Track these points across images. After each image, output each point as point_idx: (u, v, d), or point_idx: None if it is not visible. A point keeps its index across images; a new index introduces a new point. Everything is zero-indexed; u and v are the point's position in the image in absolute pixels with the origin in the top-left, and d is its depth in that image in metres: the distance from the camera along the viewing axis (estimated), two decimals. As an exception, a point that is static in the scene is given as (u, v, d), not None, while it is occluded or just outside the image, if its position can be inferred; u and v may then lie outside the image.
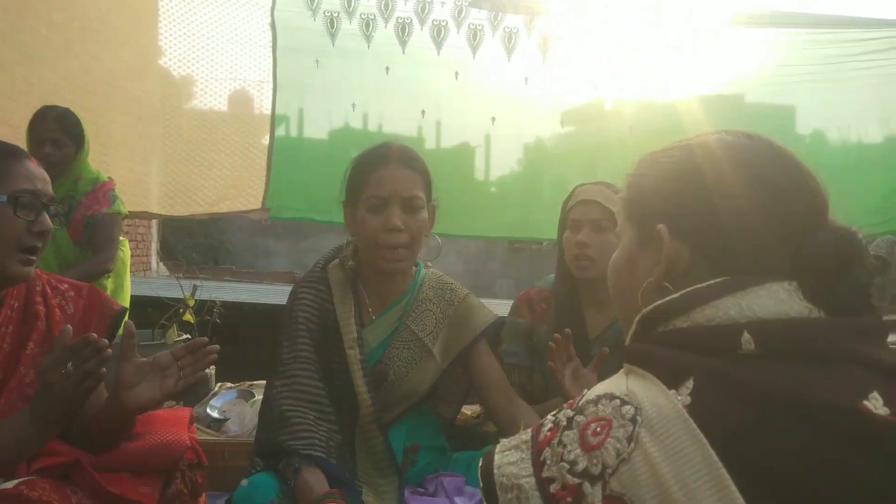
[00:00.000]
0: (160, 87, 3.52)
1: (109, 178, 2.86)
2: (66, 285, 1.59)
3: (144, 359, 1.39)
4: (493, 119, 3.30)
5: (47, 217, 1.40)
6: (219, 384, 2.68)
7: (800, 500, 0.60)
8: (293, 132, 3.48)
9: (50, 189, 1.44)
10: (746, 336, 0.69)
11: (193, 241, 11.51)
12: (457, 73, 3.25)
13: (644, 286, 0.82)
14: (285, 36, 3.31)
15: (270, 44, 3.34)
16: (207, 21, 3.44)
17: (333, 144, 3.46)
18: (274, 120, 3.34)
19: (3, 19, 2.87)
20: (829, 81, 3.46)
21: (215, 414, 2.35)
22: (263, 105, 3.47)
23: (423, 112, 3.26)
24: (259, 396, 2.46)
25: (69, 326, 1.33)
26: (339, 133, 3.45)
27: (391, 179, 1.58)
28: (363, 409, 1.57)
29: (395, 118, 3.36)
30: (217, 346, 1.41)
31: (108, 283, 2.76)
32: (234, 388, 2.57)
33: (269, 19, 3.31)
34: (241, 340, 3.21)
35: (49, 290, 1.55)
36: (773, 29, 3.48)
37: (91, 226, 2.70)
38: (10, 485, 1.34)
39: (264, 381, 2.68)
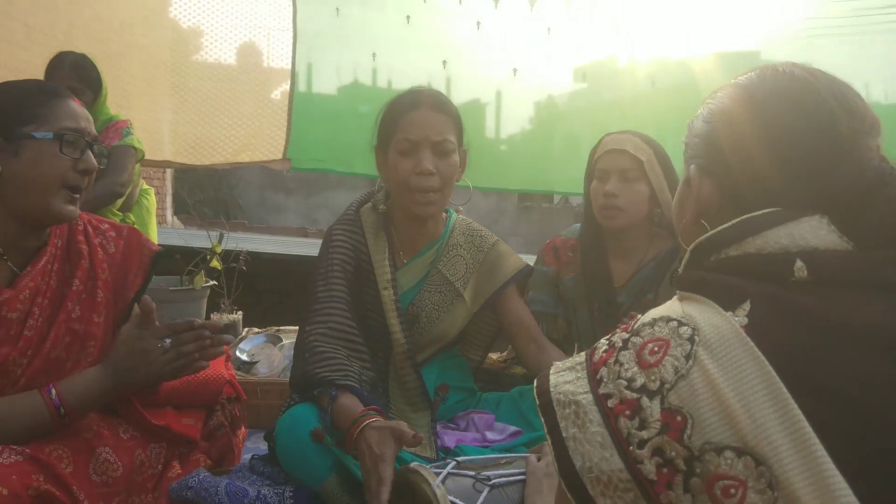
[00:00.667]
0: (171, 37, 3.49)
1: (126, 119, 2.83)
2: (106, 225, 1.62)
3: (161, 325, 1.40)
4: (515, 70, 3.28)
5: (91, 155, 1.42)
6: (246, 329, 2.73)
7: (854, 416, 0.63)
8: (309, 83, 3.46)
9: (93, 128, 1.45)
10: (799, 264, 0.71)
11: (205, 196, 11.56)
12: (478, 23, 3.21)
13: (683, 223, 0.85)
14: (305, -17, 3.28)
15: (290, -9, 3.30)
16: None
17: (345, 99, 3.45)
18: (294, 70, 3.33)
19: (15, -34, 2.84)
20: (855, 34, 3.40)
21: (244, 357, 2.40)
22: (275, 56, 3.46)
23: (444, 63, 3.24)
24: (286, 341, 2.52)
25: (148, 298, 1.37)
26: (349, 88, 3.43)
27: (422, 123, 1.59)
28: (397, 347, 1.62)
29: (410, 71, 3.33)
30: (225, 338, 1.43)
31: (134, 231, 2.79)
32: (262, 332, 2.63)
33: (289, -34, 3.27)
34: (264, 289, 3.27)
35: (90, 230, 1.58)
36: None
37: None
38: (62, 415, 1.40)
39: (289, 327, 2.76)
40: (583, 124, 3.61)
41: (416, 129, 1.59)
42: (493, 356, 2.18)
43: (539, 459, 1.21)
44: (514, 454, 1.34)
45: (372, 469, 1.25)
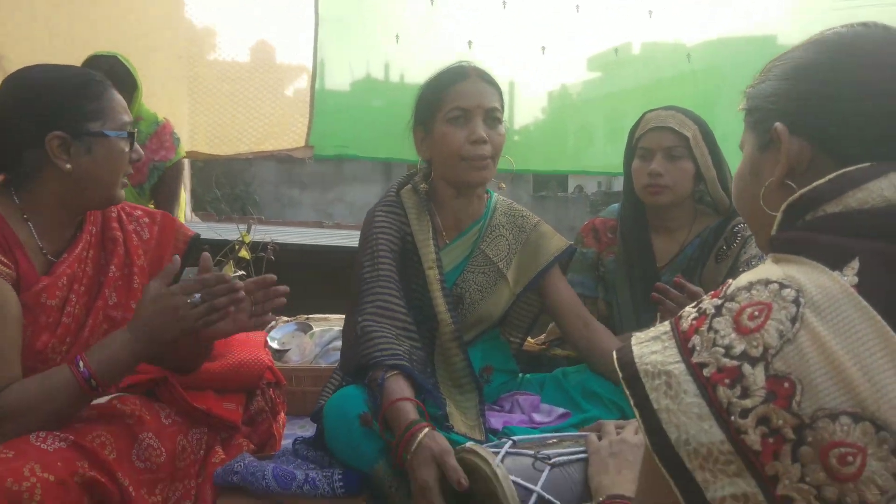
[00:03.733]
0: (186, 35, 3.52)
1: (164, 118, 2.86)
2: (139, 212, 1.60)
3: (189, 280, 1.38)
4: (544, 48, 3.22)
5: (138, 146, 1.43)
6: (275, 318, 2.70)
7: None
8: (331, 70, 3.42)
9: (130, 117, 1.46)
10: None
11: (221, 193, 11.58)
12: (504, 2, 3.15)
13: (765, 187, 0.81)
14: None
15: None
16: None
17: (368, 85, 3.42)
18: (316, 56, 3.29)
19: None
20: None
21: (275, 345, 2.38)
22: (288, 53, 3.52)
23: (469, 43, 3.18)
24: (316, 329, 2.49)
25: (177, 256, 1.35)
26: (371, 76, 3.39)
27: (473, 92, 1.57)
28: (443, 327, 1.58)
29: (436, 52, 3.26)
30: (286, 288, 1.41)
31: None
32: (291, 321, 2.60)
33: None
34: (289, 279, 3.23)
35: (124, 216, 1.56)
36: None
37: (158, 171, 2.73)
38: (103, 400, 1.38)
39: (317, 315, 2.73)
40: (602, 108, 3.59)
41: (468, 98, 1.57)
42: (531, 339, 2.14)
43: (600, 438, 1.17)
44: (569, 433, 1.30)
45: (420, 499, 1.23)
